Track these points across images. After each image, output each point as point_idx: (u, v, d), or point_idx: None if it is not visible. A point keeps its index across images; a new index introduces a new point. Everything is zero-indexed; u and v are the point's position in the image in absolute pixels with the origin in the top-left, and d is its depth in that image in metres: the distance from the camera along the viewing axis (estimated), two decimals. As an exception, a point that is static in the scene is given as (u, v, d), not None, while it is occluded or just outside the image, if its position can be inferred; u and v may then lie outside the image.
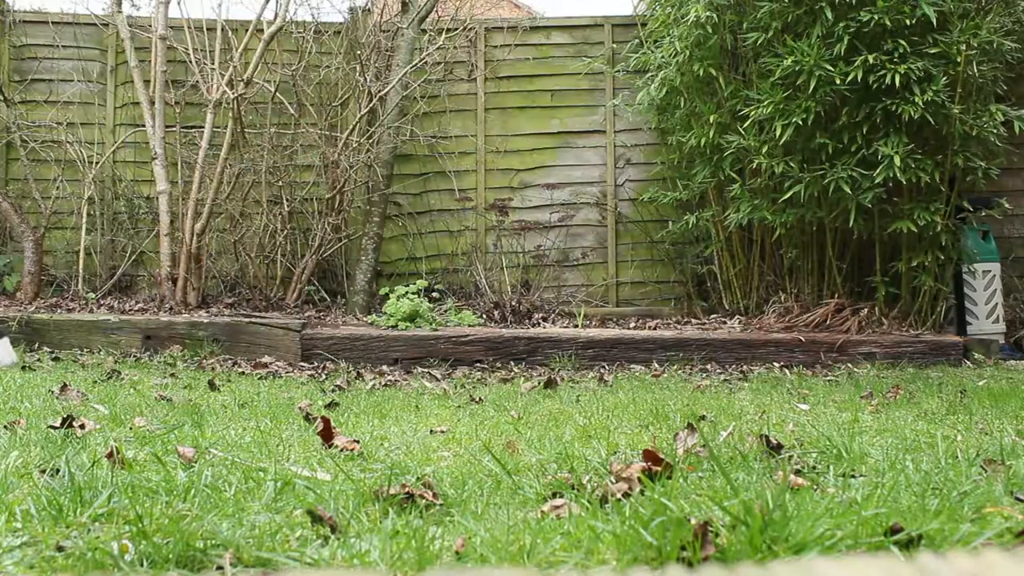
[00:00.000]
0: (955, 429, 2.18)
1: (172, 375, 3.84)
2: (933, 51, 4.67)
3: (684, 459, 1.69)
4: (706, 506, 1.23)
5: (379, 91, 5.85)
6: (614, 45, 6.21)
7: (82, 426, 2.02)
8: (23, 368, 3.86)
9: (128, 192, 6.20)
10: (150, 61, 5.94)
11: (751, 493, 1.28)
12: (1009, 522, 1.18)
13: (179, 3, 9.16)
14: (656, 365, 4.65)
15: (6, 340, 4.00)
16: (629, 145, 6.21)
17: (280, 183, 5.94)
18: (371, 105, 5.84)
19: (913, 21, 4.59)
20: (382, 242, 6.02)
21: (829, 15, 4.69)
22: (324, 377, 4.07)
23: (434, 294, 5.76)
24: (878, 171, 4.68)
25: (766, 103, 4.85)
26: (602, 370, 4.57)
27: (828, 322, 5.02)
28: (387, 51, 6.08)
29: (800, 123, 4.75)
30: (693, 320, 5.66)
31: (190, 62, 5.85)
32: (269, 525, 1.18)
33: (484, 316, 5.57)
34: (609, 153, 6.22)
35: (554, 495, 1.39)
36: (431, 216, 6.27)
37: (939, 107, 4.66)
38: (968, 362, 4.70)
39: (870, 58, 4.60)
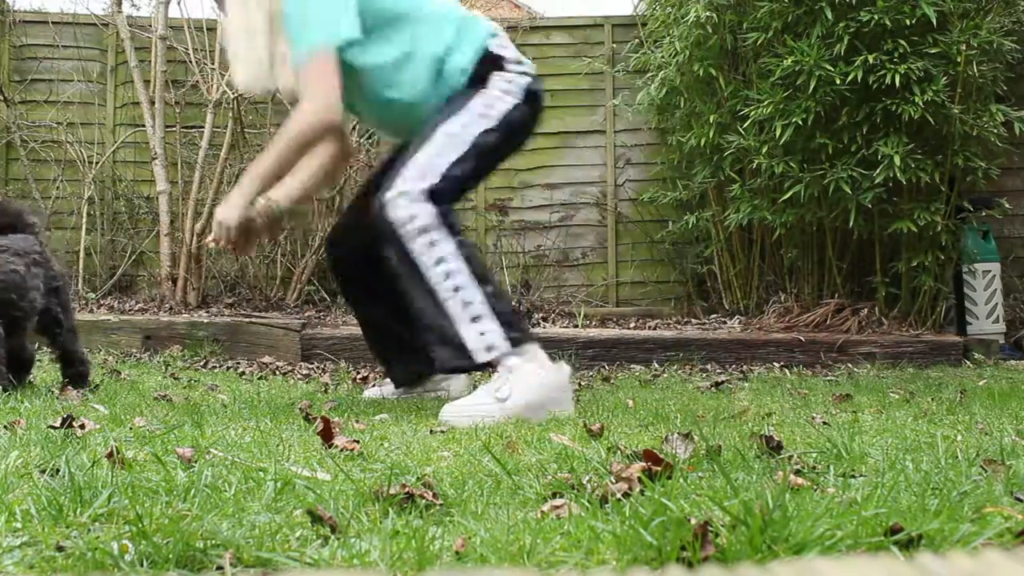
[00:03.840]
0: (955, 429, 2.18)
1: (172, 375, 3.84)
2: (933, 51, 4.67)
3: (684, 459, 1.69)
4: (706, 506, 1.23)
5: (379, 91, 5.85)
6: (614, 45, 6.21)
7: (82, 426, 2.02)
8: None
9: (128, 192, 6.20)
10: (150, 61, 5.94)
11: (751, 493, 1.28)
12: (1009, 522, 1.18)
13: (179, 3, 9.17)
14: (656, 365, 4.65)
15: None
16: (629, 145, 6.21)
17: (280, 183, 5.94)
18: (371, 105, 5.84)
19: (913, 21, 4.59)
20: (382, 242, 6.02)
21: (829, 15, 4.69)
22: (325, 377, 4.07)
23: (434, 294, 5.76)
24: (878, 171, 4.68)
25: (766, 103, 4.85)
26: (602, 370, 4.57)
27: (828, 322, 5.02)
28: (387, 51, 6.07)
29: (800, 123, 4.75)
30: (693, 320, 5.66)
31: (190, 62, 5.85)
32: (269, 525, 1.19)
33: (484, 316, 5.57)
34: (609, 153, 6.22)
35: (554, 495, 1.39)
36: (431, 216, 6.26)
37: (939, 107, 4.66)
38: (968, 362, 4.70)
39: (870, 58, 4.60)
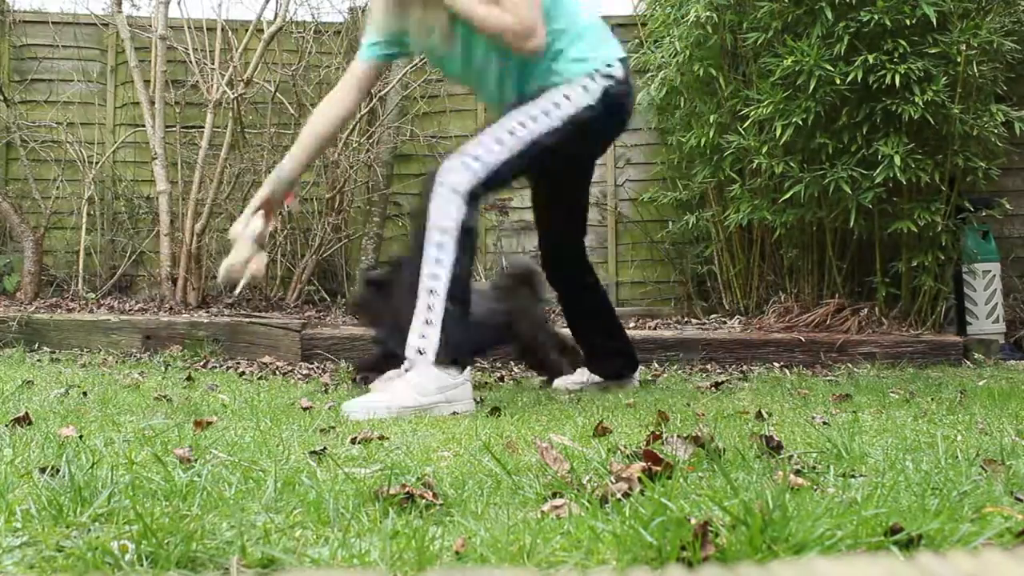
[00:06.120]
0: (955, 429, 2.18)
1: (172, 375, 3.84)
2: (933, 51, 4.67)
3: (684, 459, 1.69)
4: (706, 506, 1.23)
5: (379, 91, 5.85)
6: (614, 45, 6.20)
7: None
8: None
9: (128, 192, 6.20)
10: (150, 61, 5.94)
11: (751, 493, 1.28)
12: (1009, 522, 1.18)
13: (179, 3, 9.14)
14: (656, 365, 4.65)
15: None
16: (629, 145, 6.21)
17: (280, 183, 5.93)
18: (371, 105, 5.84)
19: (913, 21, 4.59)
20: (382, 242, 6.02)
21: (829, 15, 4.69)
22: (325, 377, 4.07)
23: (434, 294, 5.76)
24: (878, 171, 4.68)
25: (766, 103, 4.84)
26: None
27: (828, 322, 5.01)
28: (387, 51, 6.07)
29: (800, 123, 4.75)
30: (693, 320, 5.65)
31: (190, 62, 5.85)
32: (269, 525, 1.19)
33: (484, 316, 5.56)
34: (609, 153, 6.22)
35: (554, 495, 1.39)
36: (431, 216, 6.26)
37: (939, 107, 4.66)
38: (968, 362, 4.70)
39: (870, 58, 4.60)
